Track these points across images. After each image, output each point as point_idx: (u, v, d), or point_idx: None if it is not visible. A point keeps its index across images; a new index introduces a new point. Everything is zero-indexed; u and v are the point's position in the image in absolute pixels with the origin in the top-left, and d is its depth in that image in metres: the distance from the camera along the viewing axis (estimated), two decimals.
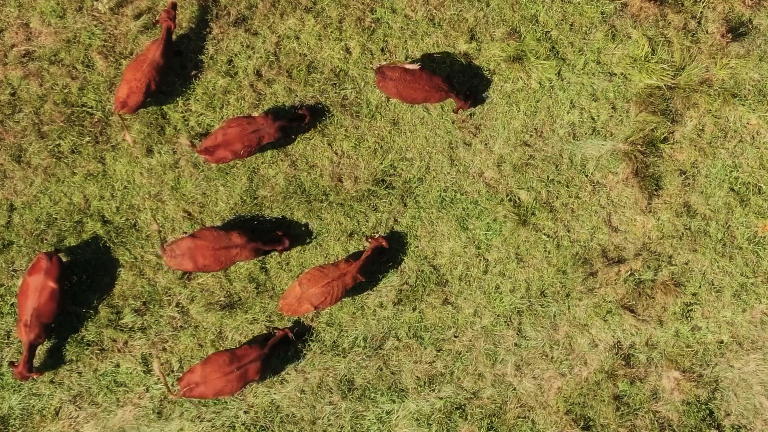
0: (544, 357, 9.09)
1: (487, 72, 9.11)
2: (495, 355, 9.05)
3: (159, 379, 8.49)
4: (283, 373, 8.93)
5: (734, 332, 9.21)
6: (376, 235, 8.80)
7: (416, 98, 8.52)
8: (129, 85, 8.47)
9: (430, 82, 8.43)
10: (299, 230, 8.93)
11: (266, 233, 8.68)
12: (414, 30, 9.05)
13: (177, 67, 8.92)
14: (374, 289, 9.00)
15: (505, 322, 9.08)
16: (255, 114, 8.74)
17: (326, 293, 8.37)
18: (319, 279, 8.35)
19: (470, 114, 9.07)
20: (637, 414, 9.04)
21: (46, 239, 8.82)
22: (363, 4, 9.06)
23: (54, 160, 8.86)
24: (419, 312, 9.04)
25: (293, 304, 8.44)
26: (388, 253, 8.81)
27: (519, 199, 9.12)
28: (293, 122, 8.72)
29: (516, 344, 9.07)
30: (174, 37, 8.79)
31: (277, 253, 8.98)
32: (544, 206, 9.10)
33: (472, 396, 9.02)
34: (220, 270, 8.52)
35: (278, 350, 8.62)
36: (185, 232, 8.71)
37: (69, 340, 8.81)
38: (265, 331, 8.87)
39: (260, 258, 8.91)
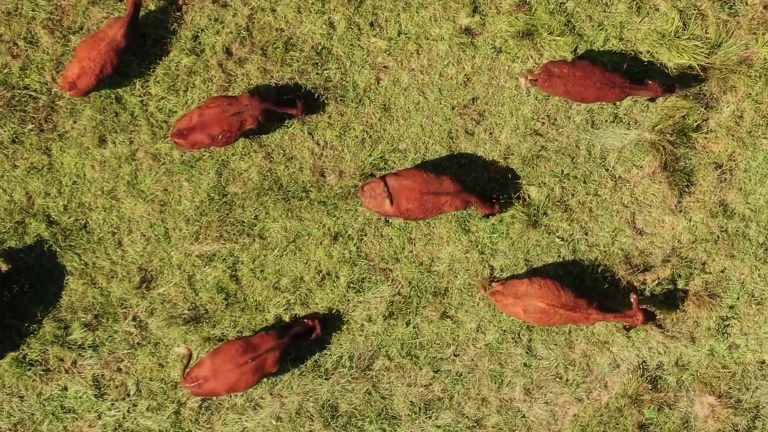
0: (557, 379, 8.76)
1: (493, 50, 8.65)
2: (501, 376, 8.74)
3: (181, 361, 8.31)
4: (256, 397, 8.56)
5: None
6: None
7: (587, 97, 8.22)
8: (81, 64, 8.04)
9: (604, 77, 8.11)
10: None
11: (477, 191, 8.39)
12: (408, 1, 8.61)
13: (133, 45, 8.43)
14: (362, 300, 8.65)
15: (512, 338, 8.74)
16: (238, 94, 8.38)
17: (548, 315, 7.88)
18: (549, 296, 7.88)
19: (472, 99, 8.68)
20: None
21: None
22: None
23: None
24: (414, 327, 8.70)
25: (508, 299, 7.96)
26: None
27: (529, 196, 8.72)
28: (281, 107, 8.29)
29: (525, 364, 8.75)
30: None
31: (251, 260, 8.56)
32: (558, 205, 8.72)
33: (475, 424, 8.70)
34: (422, 219, 8.25)
35: (300, 341, 8.30)
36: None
37: (8, 359, 8.48)
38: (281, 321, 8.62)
39: (231, 265, 8.60)
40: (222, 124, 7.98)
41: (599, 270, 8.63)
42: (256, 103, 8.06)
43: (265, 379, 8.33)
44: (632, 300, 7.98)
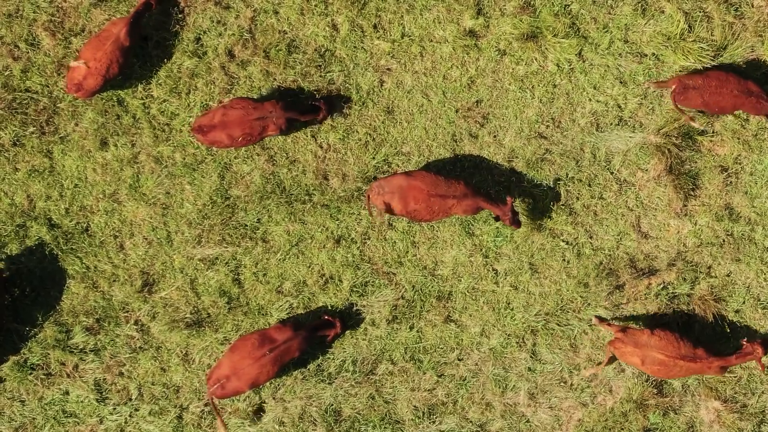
0: (562, 384, 8.67)
1: (497, 52, 8.57)
2: (505, 381, 8.66)
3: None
4: (258, 401, 8.51)
5: None
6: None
7: (725, 106, 8.19)
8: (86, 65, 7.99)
9: (739, 85, 8.10)
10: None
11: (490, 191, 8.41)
12: (411, 3, 8.54)
13: (136, 46, 8.36)
14: (365, 304, 8.58)
15: (517, 342, 8.66)
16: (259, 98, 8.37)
17: (667, 367, 7.95)
18: (669, 348, 7.93)
19: (476, 101, 8.62)
20: None
21: None
22: None
23: None
24: (417, 331, 8.62)
25: (627, 347, 7.96)
26: None
27: (533, 199, 8.64)
28: (305, 116, 8.25)
29: (529, 369, 8.67)
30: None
31: (254, 264, 8.52)
32: (563, 208, 8.65)
33: (479, 429, 8.62)
34: (429, 221, 8.29)
35: (318, 335, 8.24)
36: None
37: (9, 363, 8.41)
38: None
39: (233, 268, 8.54)
40: (244, 126, 7.93)
41: (605, 273, 8.60)
42: (281, 112, 8.00)
43: (267, 384, 8.28)
44: (743, 342, 8.04)
